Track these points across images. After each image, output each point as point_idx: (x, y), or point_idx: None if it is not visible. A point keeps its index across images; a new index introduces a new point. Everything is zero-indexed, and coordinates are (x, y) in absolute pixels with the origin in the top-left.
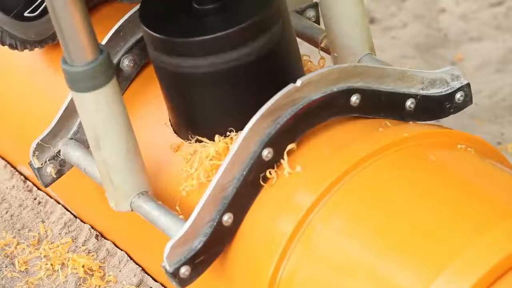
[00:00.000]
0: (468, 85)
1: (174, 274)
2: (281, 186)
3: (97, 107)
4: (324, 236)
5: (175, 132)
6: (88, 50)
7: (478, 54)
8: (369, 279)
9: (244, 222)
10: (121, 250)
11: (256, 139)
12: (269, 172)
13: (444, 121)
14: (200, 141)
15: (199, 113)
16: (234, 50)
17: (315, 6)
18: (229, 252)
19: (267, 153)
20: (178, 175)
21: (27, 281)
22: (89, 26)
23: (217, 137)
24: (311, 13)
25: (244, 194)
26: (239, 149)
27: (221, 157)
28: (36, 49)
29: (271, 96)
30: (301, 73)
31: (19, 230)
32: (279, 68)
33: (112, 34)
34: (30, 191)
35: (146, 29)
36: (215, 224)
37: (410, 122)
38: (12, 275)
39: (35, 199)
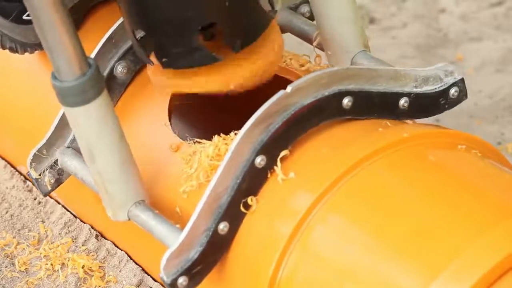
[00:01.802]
0: (462, 80)
1: (172, 285)
2: (276, 192)
3: (88, 121)
4: (323, 237)
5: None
6: (76, 65)
7: (478, 54)
8: (369, 280)
9: (240, 229)
10: (121, 250)
11: (249, 146)
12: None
13: (444, 121)
14: (199, 142)
15: None
16: None
17: (309, 1)
18: (227, 260)
19: (260, 161)
20: (178, 176)
21: (27, 281)
22: (76, 42)
23: (216, 137)
24: (305, 8)
25: (238, 202)
26: (232, 157)
27: (220, 158)
28: (37, 52)
29: None
30: None
31: (19, 230)
32: None
33: (104, 42)
34: (30, 191)
35: None
36: (210, 233)
37: (410, 122)
38: (12, 275)
39: (35, 199)
